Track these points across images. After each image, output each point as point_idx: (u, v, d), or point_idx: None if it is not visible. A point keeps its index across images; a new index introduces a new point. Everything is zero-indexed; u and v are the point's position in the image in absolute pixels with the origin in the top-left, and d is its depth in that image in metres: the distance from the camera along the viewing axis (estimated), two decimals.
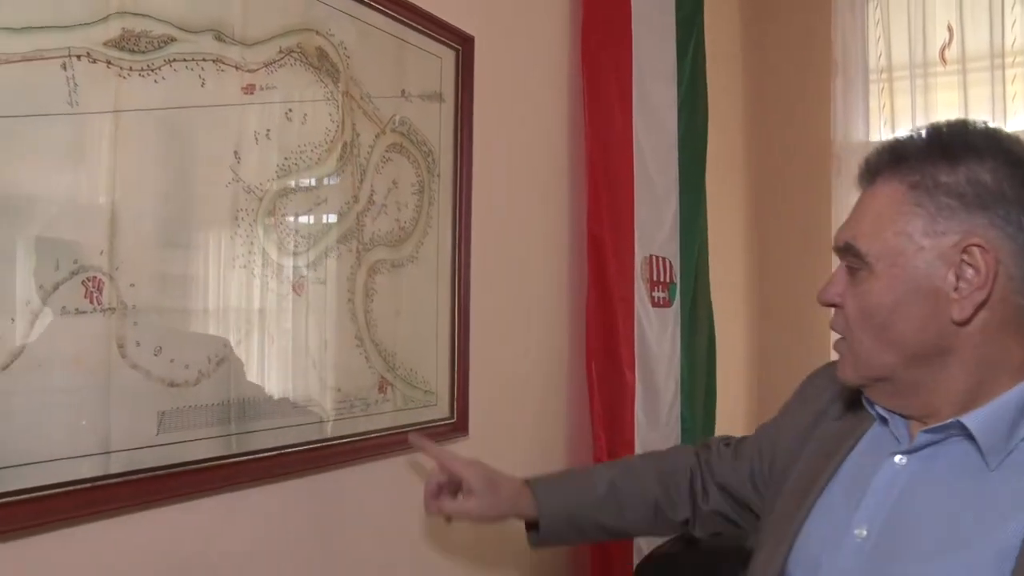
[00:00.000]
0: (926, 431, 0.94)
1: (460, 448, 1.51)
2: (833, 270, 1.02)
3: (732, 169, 3.08)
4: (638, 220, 2.07)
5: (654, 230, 2.17)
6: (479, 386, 1.60)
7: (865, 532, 0.94)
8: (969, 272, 0.89)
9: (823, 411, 1.13)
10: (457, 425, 1.55)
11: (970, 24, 2.81)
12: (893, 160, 0.95)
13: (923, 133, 0.95)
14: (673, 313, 2.25)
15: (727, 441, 1.33)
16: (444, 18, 1.49)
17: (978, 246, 0.88)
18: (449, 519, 1.31)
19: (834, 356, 1.04)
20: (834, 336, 1.03)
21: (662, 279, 2.20)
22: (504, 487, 1.27)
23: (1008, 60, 2.74)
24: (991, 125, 0.95)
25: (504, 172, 1.72)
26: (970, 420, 0.90)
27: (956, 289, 0.89)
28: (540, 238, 1.87)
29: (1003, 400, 0.91)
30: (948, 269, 0.89)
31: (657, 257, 2.18)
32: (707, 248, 2.49)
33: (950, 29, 2.85)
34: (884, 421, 1.00)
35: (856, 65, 2.98)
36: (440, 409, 1.52)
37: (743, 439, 1.31)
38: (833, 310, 1.01)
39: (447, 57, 1.52)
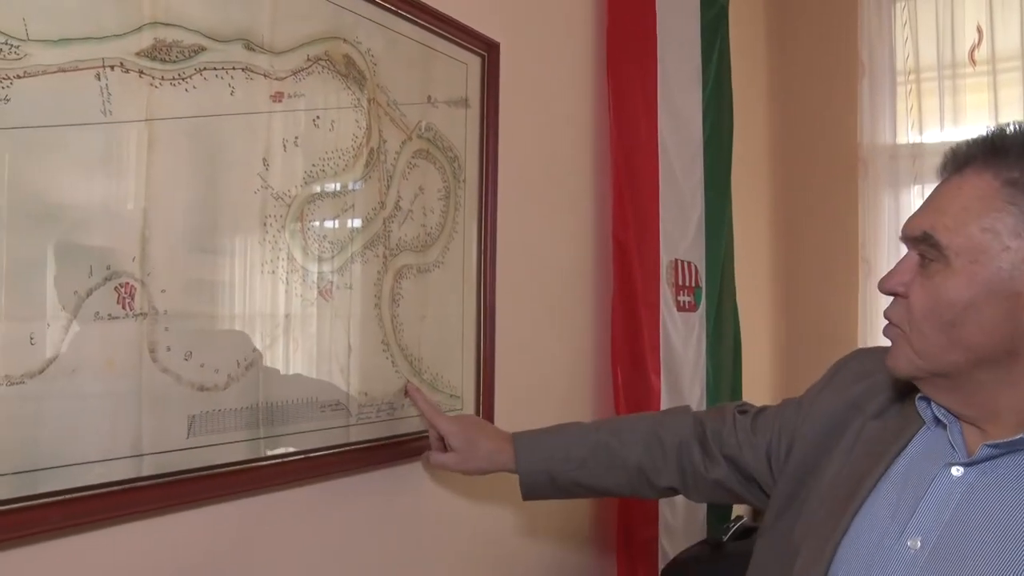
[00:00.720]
0: (990, 446, 0.89)
1: None
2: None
3: (757, 172, 3.06)
4: (663, 224, 2.07)
5: (679, 234, 2.17)
6: (504, 390, 1.61)
7: (919, 543, 0.90)
8: None
9: (856, 405, 1.08)
10: None
11: (1000, 24, 2.77)
12: (989, 152, 0.89)
13: (1023, 128, 0.90)
14: (698, 317, 2.24)
15: (743, 408, 1.28)
16: (470, 25, 1.50)
17: None
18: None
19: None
20: (883, 322, 0.98)
21: (687, 283, 2.19)
22: (482, 445, 1.33)
23: None
24: None
25: (529, 177, 1.72)
26: None
27: None
28: (565, 243, 1.87)
29: None
30: None
31: (682, 261, 2.17)
32: (732, 252, 2.48)
33: (979, 30, 2.82)
34: (941, 425, 0.95)
35: (883, 67, 2.95)
36: (466, 413, 1.52)
37: (762, 410, 1.26)
38: (892, 298, 0.96)
39: (473, 63, 1.53)
